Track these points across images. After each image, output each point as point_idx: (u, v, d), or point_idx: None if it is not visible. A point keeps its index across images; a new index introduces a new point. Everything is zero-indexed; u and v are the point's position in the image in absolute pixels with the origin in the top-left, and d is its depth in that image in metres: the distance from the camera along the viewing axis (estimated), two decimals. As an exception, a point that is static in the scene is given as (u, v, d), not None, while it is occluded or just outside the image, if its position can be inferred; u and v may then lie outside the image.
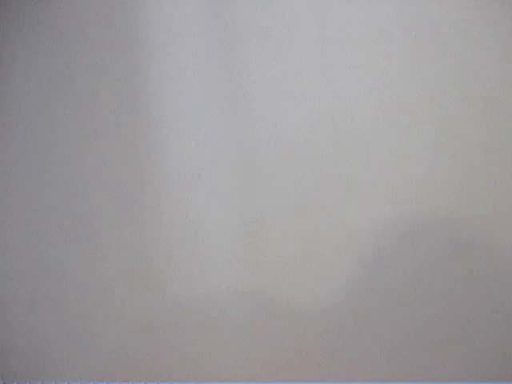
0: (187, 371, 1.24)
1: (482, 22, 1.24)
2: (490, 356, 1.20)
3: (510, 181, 1.23)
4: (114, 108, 1.30)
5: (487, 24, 1.24)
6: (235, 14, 1.29)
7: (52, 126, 1.31)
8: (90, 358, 1.25)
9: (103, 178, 1.29)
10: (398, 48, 1.25)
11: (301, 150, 1.26)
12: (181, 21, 1.30)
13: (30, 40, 1.33)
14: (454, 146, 1.24)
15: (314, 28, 1.27)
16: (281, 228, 1.25)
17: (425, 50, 1.25)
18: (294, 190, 1.26)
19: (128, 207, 1.28)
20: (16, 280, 1.27)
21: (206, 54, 1.30)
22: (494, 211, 1.22)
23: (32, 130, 1.31)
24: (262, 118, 1.27)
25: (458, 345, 1.21)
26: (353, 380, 1.21)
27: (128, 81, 1.30)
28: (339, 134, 1.26)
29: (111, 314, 1.26)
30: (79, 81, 1.31)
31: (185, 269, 1.26)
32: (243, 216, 1.26)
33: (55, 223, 1.29)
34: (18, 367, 1.25)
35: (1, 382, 1.24)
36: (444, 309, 1.21)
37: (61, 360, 1.25)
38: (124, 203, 1.28)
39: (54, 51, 1.32)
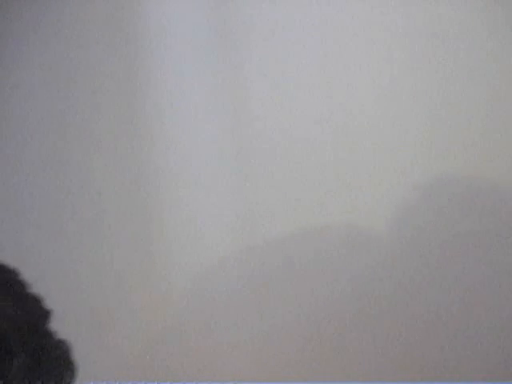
0: (187, 371, 1.24)
1: (482, 22, 1.24)
2: (490, 356, 1.20)
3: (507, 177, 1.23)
4: (114, 108, 1.30)
5: (487, 24, 1.24)
6: (236, 14, 1.29)
7: (52, 127, 1.31)
8: (91, 358, 1.25)
9: (103, 179, 1.29)
10: (398, 48, 1.25)
11: (300, 149, 1.26)
12: (181, 21, 1.30)
13: (32, 39, 1.33)
14: (452, 148, 1.24)
15: (314, 29, 1.28)
16: (280, 226, 1.25)
17: (424, 50, 1.24)
18: (293, 188, 1.26)
19: (129, 206, 1.28)
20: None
21: (207, 55, 1.30)
22: (494, 209, 1.22)
23: (30, 132, 1.31)
24: (262, 117, 1.27)
25: (457, 345, 1.20)
26: (353, 380, 1.21)
27: (128, 82, 1.31)
28: (339, 134, 1.26)
29: (111, 314, 1.26)
30: (79, 83, 1.31)
31: (184, 268, 1.26)
32: (242, 215, 1.27)
33: (57, 223, 1.29)
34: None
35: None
36: (444, 307, 1.21)
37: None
38: (125, 203, 1.29)
39: (53, 52, 1.32)
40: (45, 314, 0.60)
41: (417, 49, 1.25)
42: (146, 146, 1.29)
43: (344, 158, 1.25)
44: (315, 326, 1.23)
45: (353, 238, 1.24)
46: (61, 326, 1.27)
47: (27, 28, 1.33)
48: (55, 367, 0.60)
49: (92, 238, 1.28)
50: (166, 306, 1.26)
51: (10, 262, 1.27)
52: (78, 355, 1.27)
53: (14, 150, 1.31)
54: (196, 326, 1.26)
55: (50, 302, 1.26)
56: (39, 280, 1.27)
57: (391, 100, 1.25)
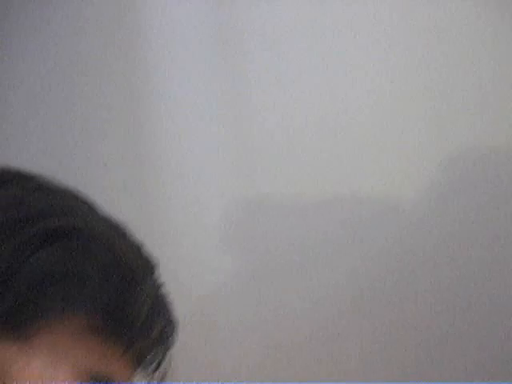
0: (187, 371, 1.24)
1: (483, 21, 1.24)
2: (489, 356, 1.19)
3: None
4: (115, 106, 1.31)
5: (487, 24, 1.24)
6: (236, 13, 1.30)
7: (53, 124, 1.31)
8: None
9: (104, 178, 1.29)
10: (397, 47, 1.25)
11: (300, 148, 1.26)
12: (182, 20, 1.31)
13: (32, 39, 1.33)
14: (451, 146, 1.23)
15: (313, 27, 1.28)
16: (280, 224, 1.25)
17: (423, 49, 1.25)
18: (293, 187, 1.26)
19: (130, 204, 1.28)
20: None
21: (207, 53, 1.30)
22: (494, 212, 1.22)
23: (30, 133, 1.31)
24: (261, 115, 1.27)
25: (457, 345, 1.20)
26: (353, 380, 1.21)
27: (129, 80, 1.31)
28: (338, 133, 1.26)
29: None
30: (80, 80, 1.31)
31: (185, 266, 1.26)
32: (242, 212, 1.27)
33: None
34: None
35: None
36: (444, 306, 1.21)
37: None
38: (126, 200, 1.29)
39: (55, 51, 1.32)
40: (155, 265, 0.63)
41: (415, 48, 1.25)
42: (147, 144, 1.30)
43: (344, 157, 1.25)
44: (315, 323, 1.23)
45: (354, 237, 1.24)
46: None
47: (28, 28, 1.34)
48: (167, 315, 0.62)
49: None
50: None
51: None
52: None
53: (12, 154, 1.32)
54: (196, 325, 1.25)
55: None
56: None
57: (390, 99, 1.25)
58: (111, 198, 1.29)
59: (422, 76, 1.23)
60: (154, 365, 0.62)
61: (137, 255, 0.61)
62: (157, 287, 0.62)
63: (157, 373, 0.63)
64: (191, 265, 1.26)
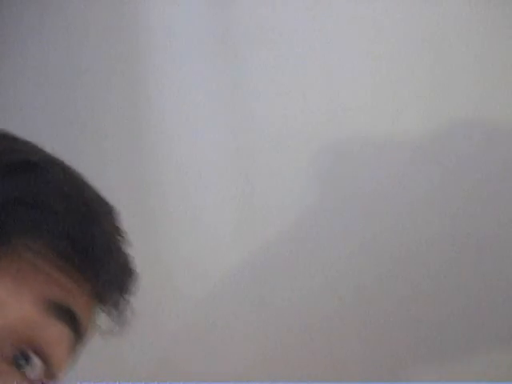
0: (188, 371, 1.24)
1: (482, 22, 1.24)
2: (489, 356, 1.20)
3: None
4: (115, 108, 1.31)
5: (487, 24, 1.24)
6: (236, 13, 1.30)
7: (53, 123, 1.31)
8: (91, 359, 1.25)
9: (105, 179, 1.29)
10: (398, 47, 1.25)
11: (301, 149, 1.26)
12: (181, 21, 1.31)
13: (32, 40, 1.34)
14: (450, 145, 1.23)
15: (313, 27, 1.28)
16: (280, 225, 1.25)
17: (424, 49, 1.25)
18: (293, 187, 1.26)
19: (129, 203, 1.28)
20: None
21: (207, 54, 1.30)
22: (493, 214, 1.22)
23: (30, 129, 1.31)
24: (262, 117, 1.28)
25: (457, 345, 1.20)
26: (354, 380, 1.21)
27: (129, 80, 1.31)
28: (339, 134, 1.26)
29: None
30: (80, 80, 1.32)
31: (184, 265, 1.26)
32: (243, 213, 1.27)
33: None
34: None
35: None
36: (444, 307, 1.21)
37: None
38: (126, 202, 1.28)
39: (55, 51, 1.33)
40: (115, 208, 0.67)
41: (416, 47, 1.25)
42: (147, 145, 1.30)
43: (346, 159, 1.25)
44: (315, 323, 1.23)
45: (355, 238, 1.24)
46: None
47: (27, 28, 1.34)
48: (127, 258, 0.65)
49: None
50: (166, 307, 1.26)
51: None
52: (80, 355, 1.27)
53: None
54: (196, 325, 1.26)
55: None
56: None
57: (392, 100, 1.25)
58: (110, 197, 1.29)
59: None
60: (115, 307, 0.64)
61: (97, 193, 0.64)
62: (117, 227, 0.64)
63: (117, 317, 0.64)
64: (191, 265, 1.26)
